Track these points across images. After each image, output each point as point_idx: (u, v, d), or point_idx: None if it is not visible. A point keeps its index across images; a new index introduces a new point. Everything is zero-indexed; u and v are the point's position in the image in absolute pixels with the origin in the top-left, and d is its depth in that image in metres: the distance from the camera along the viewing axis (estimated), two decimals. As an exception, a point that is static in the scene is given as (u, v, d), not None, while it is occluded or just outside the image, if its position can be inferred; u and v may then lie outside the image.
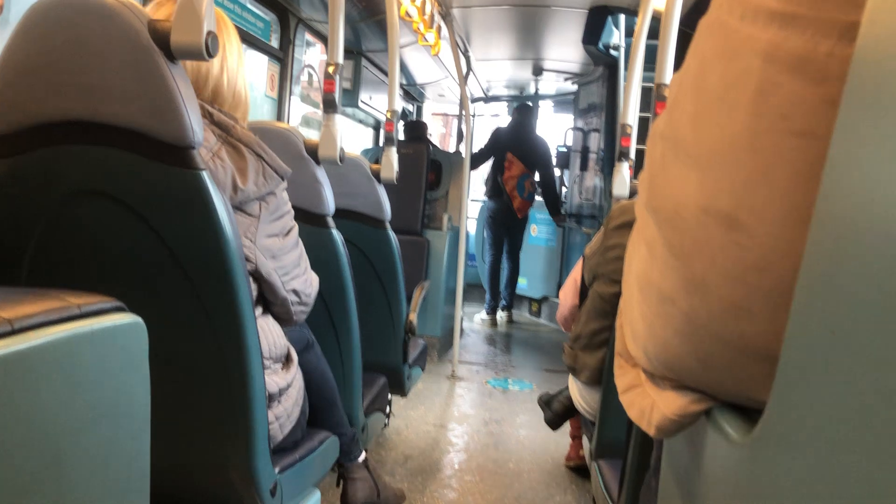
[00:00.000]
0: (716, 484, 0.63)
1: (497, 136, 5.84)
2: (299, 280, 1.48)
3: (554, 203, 6.03)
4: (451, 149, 7.19)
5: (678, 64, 0.68)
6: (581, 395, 2.28)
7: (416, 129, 5.07)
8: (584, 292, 2.35)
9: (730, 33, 0.55)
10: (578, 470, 2.89)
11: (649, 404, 0.71)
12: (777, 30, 0.51)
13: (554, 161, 6.06)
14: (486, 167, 5.99)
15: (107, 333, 0.73)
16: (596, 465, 2.02)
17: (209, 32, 1.06)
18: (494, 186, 5.83)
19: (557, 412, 2.70)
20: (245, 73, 1.42)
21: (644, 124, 3.35)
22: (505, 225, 5.95)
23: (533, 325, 6.37)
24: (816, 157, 0.48)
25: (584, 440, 2.54)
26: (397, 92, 2.62)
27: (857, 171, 0.42)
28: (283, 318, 1.51)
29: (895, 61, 0.39)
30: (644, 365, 0.73)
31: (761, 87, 0.52)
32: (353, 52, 4.50)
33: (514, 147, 5.75)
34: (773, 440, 0.50)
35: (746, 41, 0.53)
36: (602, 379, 2.05)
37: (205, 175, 1.12)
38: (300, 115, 4.17)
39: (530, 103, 6.47)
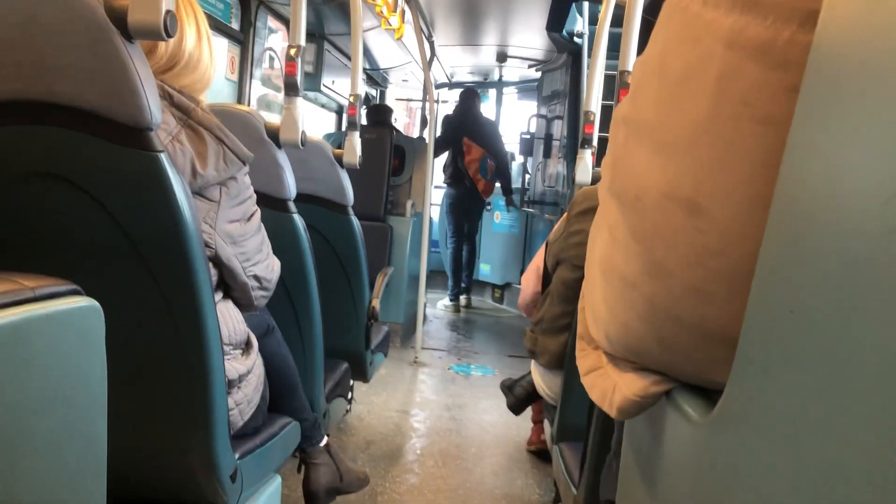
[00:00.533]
0: (676, 464, 0.64)
1: (449, 123, 5.84)
2: (261, 266, 1.46)
3: (506, 184, 6.06)
4: (415, 135, 7.17)
5: (641, 52, 0.68)
6: (543, 380, 2.30)
7: (381, 114, 5.03)
8: (546, 279, 2.36)
9: (692, 18, 0.55)
10: (540, 454, 2.92)
11: (611, 386, 0.71)
12: (739, 15, 0.51)
13: (514, 146, 6.09)
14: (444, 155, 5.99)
15: (62, 317, 0.72)
16: (557, 448, 2.04)
17: (168, 11, 1.04)
18: (455, 173, 5.84)
19: (519, 397, 2.72)
20: (209, 48, 1.39)
21: (607, 112, 3.38)
22: (465, 211, 5.98)
23: (495, 311, 6.40)
24: (777, 143, 0.49)
25: (546, 424, 2.56)
26: (360, 76, 2.60)
27: (815, 157, 0.42)
28: (244, 304, 1.49)
29: (853, 49, 0.40)
30: (606, 348, 0.74)
31: (723, 73, 0.52)
32: (316, 35, 4.45)
33: (469, 131, 5.76)
34: (733, 420, 0.51)
35: (709, 26, 0.53)
36: (564, 363, 2.07)
37: (163, 157, 1.10)
38: (256, 98, 4.12)
39: (475, 88, 6.47)
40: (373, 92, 6.50)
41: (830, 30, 0.42)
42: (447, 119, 5.91)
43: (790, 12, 0.49)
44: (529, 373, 2.60)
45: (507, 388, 2.82)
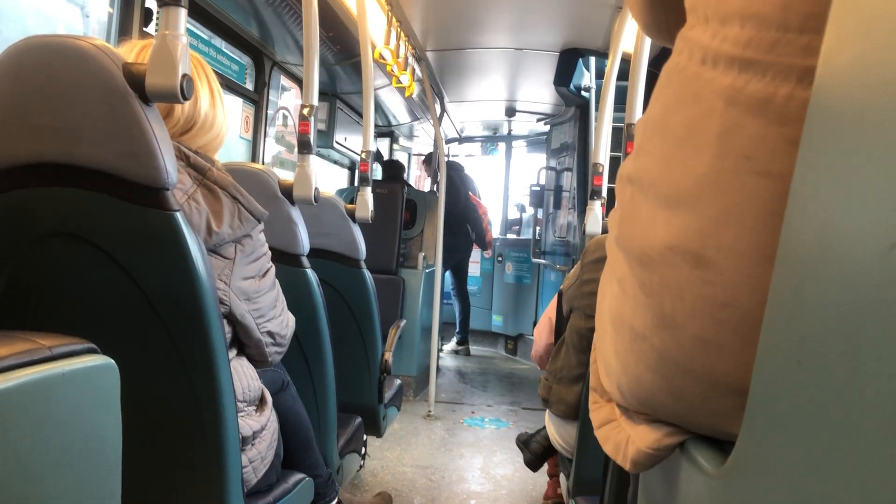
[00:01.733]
0: (691, 517, 0.64)
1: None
2: (275, 322, 1.47)
3: (480, 238, 6.15)
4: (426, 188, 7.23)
5: (648, 103, 0.70)
6: (558, 431, 2.27)
7: (393, 169, 5.09)
8: (559, 328, 2.35)
9: (691, 78, 0.57)
10: (557, 509, 2.87)
11: (624, 438, 0.71)
12: (738, 74, 0.53)
13: (525, 198, 6.15)
14: None
15: (78, 375, 0.73)
16: (574, 502, 2.00)
17: (184, 75, 1.07)
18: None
19: (536, 452, 2.68)
20: (223, 108, 1.43)
21: (615, 163, 3.40)
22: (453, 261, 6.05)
23: (508, 362, 6.35)
24: (779, 195, 0.50)
25: (562, 478, 2.52)
26: (371, 133, 2.64)
27: (817, 209, 0.43)
28: (258, 360, 1.50)
29: (850, 103, 0.41)
30: (618, 400, 0.73)
31: (724, 128, 0.53)
32: (328, 93, 4.54)
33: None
34: (746, 471, 0.51)
35: (708, 84, 0.55)
36: (578, 414, 2.05)
37: (178, 216, 1.12)
38: (270, 155, 4.18)
39: (455, 162, 6.57)
40: (384, 146, 6.58)
41: (827, 85, 0.43)
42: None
43: (788, 69, 0.50)
44: (544, 427, 2.57)
45: (523, 443, 2.79)
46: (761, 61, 0.51)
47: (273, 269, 1.47)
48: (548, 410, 2.35)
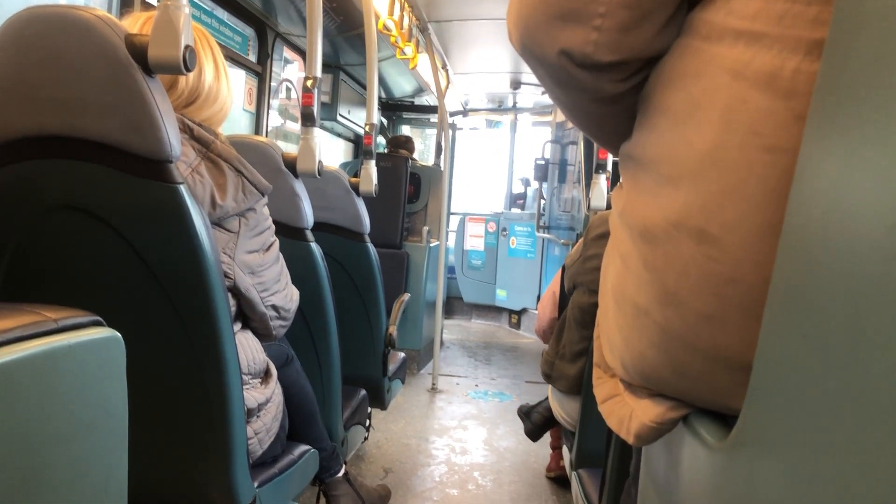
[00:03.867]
0: (694, 489, 0.64)
1: None
2: (279, 295, 1.47)
3: None
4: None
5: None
6: (560, 406, 2.29)
7: (400, 143, 5.08)
8: (563, 303, 2.36)
9: (693, 53, 0.56)
10: (559, 480, 2.90)
11: (628, 413, 0.71)
12: (744, 48, 0.52)
13: (530, 172, 6.10)
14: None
15: (84, 348, 0.73)
16: (576, 474, 2.02)
17: (187, 46, 1.06)
18: None
19: (537, 423, 2.70)
20: (227, 81, 1.42)
21: (620, 137, 3.38)
22: None
23: (512, 336, 6.38)
24: (785, 170, 0.49)
25: (565, 450, 2.54)
26: (376, 105, 2.62)
27: (824, 184, 0.43)
28: (262, 334, 1.50)
29: (858, 77, 0.40)
30: (622, 375, 0.74)
31: (730, 104, 0.53)
32: (332, 65, 4.51)
33: None
34: (749, 444, 0.51)
35: (712, 60, 0.54)
36: (581, 389, 2.06)
37: (182, 189, 1.12)
38: (273, 128, 4.16)
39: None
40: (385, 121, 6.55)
41: (836, 58, 0.43)
42: None
43: (795, 42, 0.50)
44: (546, 398, 2.59)
45: (525, 413, 2.81)
46: (768, 34, 0.51)
47: (277, 243, 1.47)
48: (550, 387, 2.37)
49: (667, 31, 0.59)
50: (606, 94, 0.66)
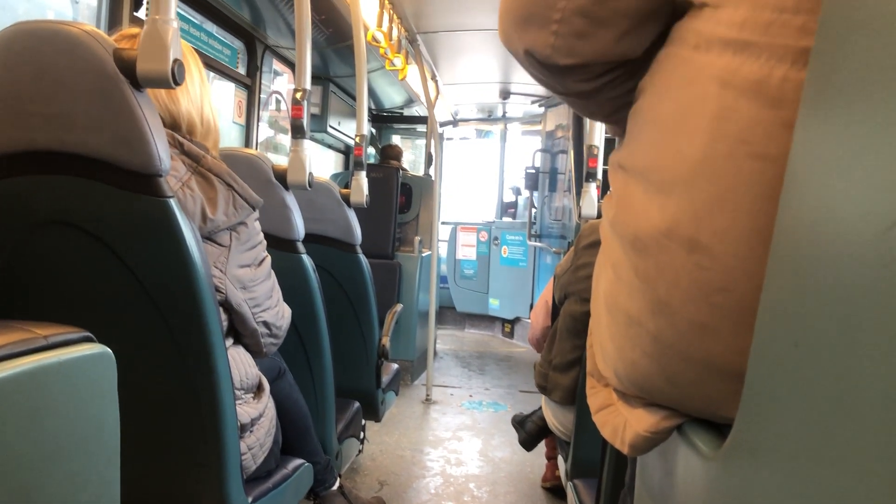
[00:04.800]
0: (689, 498, 0.64)
1: None
2: (270, 312, 1.46)
3: None
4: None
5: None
6: (555, 416, 2.28)
7: (390, 153, 5.08)
8: (555, 313, 2.36)
9: (682, 62, 0.56)
10: (555, 490, 2.89)
11: (622, 422, 0.71)
12: (732, 56, 0.52)
13: (521, 181, 6.11)
14: None
15: (74, 364, 0.72)
16: (572, 485, 2.02)
17: (175, 60, 1.06)
18: None
19: (531, 433, 2.70)
20: (211, 100, 1.42)
21: (610, 145, 3.39)
22: None
23: (506, 346, 6.37)
24: (775, 178, 0.49)
25: (560, 461, 2.54)
26: (366, 117, 2.62)
27: (813, 191, 0.43)
28: (254, 350, 1.49)
29: (845, 85, 0.41)
30: (615, 384, 0.74)
31: (719, 112, 0.53)
32: (321, 77, 4.51)
33: None
34: (743, 453, 0.51)
35: (701, 69, 0.54)
36: (576, 399, 2.05)
37: (172, 203, 1.12)
38: (263, 140, 4.16)
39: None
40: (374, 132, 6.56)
41: (823, 67, 0.43)
42: None
43: (783, 51, 0.50)
44: (540, 408, 2.58)
45: (519, 423, 2.80)
46: (756, 43, 0.51)
47: (269, 260, 1.47)
48: (544, 397, 2.36)
49: (631, 38, 0.61)
50: (574, 92, 0.70)
